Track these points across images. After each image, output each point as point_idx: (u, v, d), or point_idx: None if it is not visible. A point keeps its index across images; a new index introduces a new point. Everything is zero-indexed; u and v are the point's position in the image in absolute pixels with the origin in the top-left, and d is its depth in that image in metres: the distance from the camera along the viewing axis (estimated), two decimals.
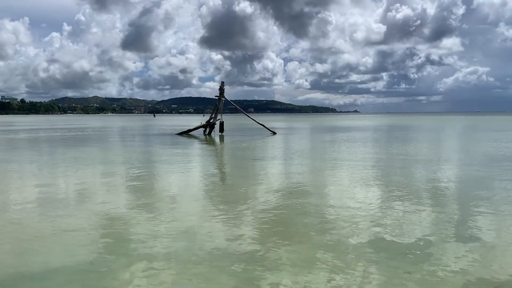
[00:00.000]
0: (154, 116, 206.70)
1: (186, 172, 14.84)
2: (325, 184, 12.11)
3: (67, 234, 7.09)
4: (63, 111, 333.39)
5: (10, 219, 8.13)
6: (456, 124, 69.61)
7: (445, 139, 34.79)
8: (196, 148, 25.74)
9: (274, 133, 38.80)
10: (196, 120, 52.67)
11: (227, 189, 11.54)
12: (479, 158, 18.05)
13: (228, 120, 40.59)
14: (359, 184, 11.71)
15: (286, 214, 8.40)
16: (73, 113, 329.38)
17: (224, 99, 37.38)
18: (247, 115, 43.76)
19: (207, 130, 37.43)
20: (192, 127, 39.65)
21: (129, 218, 8.15)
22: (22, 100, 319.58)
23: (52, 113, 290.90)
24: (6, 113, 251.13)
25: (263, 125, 40.36)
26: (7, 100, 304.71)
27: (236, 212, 8.56)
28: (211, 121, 37.76)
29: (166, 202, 9.59)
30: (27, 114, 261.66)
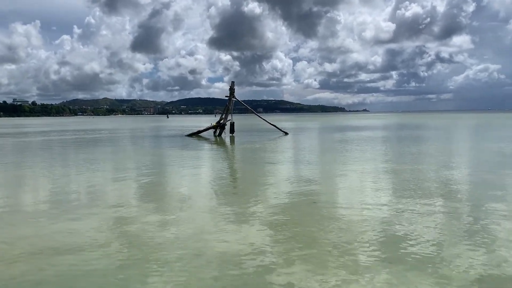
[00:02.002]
0: (168, 117, 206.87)
1: (196, 175, 14.50)
2: (339, 187, 11.68)
3: (77, 236, 7.07)
4: (74, 113, 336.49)
5: (23, 220, 8.04)
6: (467, 123, 68.43)
7: (457, 138, 34.04)
8: (206, 150, 25.35)
9: (286, 133, 38.16)
10: (208, 120, 52.32)
11: (239, 193, 11.12)
12: (493, 157, 17.41)
13: (239, 120, 40.29)
14: (374, 186, 11.34)
15: (298, 217, 8.25)
16: (83, 114, 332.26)
17: (234, 99, 36.91)
18: (258, 115, 43.05)
19: (217, 131, 36.87)
20: (201, 128, 39.16)
21: (139, 221, 8.00)
22: (33, 103, 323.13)
23: (63, 115, 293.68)
24: (18, 116, 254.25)
25: (274, 126, 39.67)
26: (18, 103, 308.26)
27: (247, 215, 8.33)
28: (221, 122, 37.25)
29: (176, 206, 9.31)
30: (38, 116, 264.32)
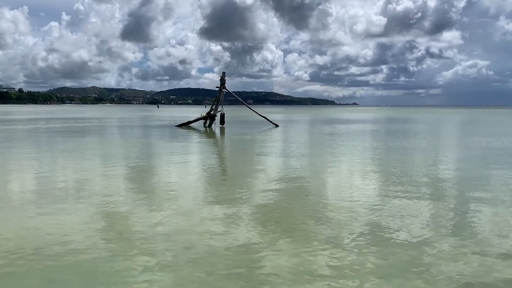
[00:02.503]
0: (158, 107, 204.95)
1: (185, 167, 14.35)
2: (328, 179, 11.67)
3: (64, 228, 6.89)
4: (61, 101, 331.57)
5: (9, 211, 7.82)
6: (455, 118, 69.16)
7: (446, 132, 34.35)
8: (195, 141, 25.18)
9: (277, 125, 38.00)
10: (198, 111, 51.99)
11: (228, 185, 11.00)
12: (479, 151, 17.59)
13: (229, 112, 39.96)
14: (362, 178, 11.40)
15: (287, 210, 8.18)
16: (71, 103, 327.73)
17: (225, 90, 36.58)
18: (248, 107, 42.64)
19: (207, 122, 36.56)
20: (191, 119, 38.84)
21: (126, 213, 7.82)
22: (20, 90, 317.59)
23: (50, 103, 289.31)
24: (4, 103, 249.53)
25: (265, 118, 39.38)
26: (4, 90, 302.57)
27: (236, 208, 8.22)
28: (211, 112, 36.94)
29: (163, 197, 9.14)
30: (25, 104, 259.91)
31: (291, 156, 17.03)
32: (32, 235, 6.57)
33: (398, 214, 7.80)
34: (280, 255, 5.75)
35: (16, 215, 7.73)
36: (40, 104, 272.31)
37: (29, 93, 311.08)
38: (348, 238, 6.44)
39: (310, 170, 13.45)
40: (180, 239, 6.39)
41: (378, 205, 8.54)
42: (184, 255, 5.74)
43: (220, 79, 36.81)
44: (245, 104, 42.40)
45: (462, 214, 7.93)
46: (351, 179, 11.78)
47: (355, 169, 13.46)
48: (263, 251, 5.91)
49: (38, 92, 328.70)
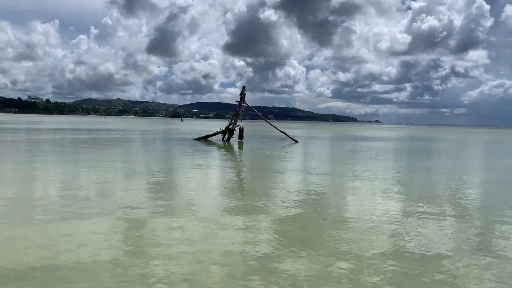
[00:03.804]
0: (182, 120, 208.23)
1: (202, 181, 13.87)
2: (348, 198, 10.96)
3: (85, 237, 7.01)
4: (87, 112, 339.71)
5: (30, 218, 8.11)
6: (482, 138, 67.00)
7: (471, 153, 32.97)
8: (213, 156, 24.71)
9: (296, 141, 37.29)
10: (221, 125, 51.81)
11: (245, 202, 10.37)
12: (503, 173, 16.51)
13: (248, 126, 39.58)
14: (382, 198, 10.80)
15: (304, 227, 8.00)
16: (96, 114, 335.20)
17: (245, 105, 36.18)
18: (268, 121, 42.06)
19: (226, 136, 36.21)
20: (210, 133, 38.53)
21: (144, 226, 7.82)
22: (47, 100, 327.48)
23: (75, 114, 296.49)
24: (32, 113, 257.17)
25: (284, 133, 38.62)
26: (33, 100, 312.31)
27: (253, 224, 7.99)
28: (230, 127, 36.59)
29: (181, 211, 8.86)
30: (51, 114, 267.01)
31: (310, 173, 16.34)
32: (52, 244, 6.61)
33: (418, 238, 7.47)
34: (296, 269, 5.40)
35: (36, 223, 7.71)
36: (66, 114, 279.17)
37: (56, 103, 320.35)
38: (366, 256, 6.33)
39: (329, 189, 12.73)
40: (195, 252, 6.37)
41: (399, 229, 7.87)
42: (198, 271, 5.67)
43: (240, 94, 36.39)
44: (264, 119, 41.85)
45: (486, 240, 7.54)
46: (372, 199, 11.02)
47: (376, 188, 12.68)
48: (281, 263, 5.96)
49: (65, 103, 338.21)
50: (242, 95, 36.06)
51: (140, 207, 9.29)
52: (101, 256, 6.05)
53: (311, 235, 7.49)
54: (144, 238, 7.01)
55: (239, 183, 14.23)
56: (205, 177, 15.05)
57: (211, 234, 7.27)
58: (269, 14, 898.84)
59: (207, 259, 6.03)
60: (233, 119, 37.07)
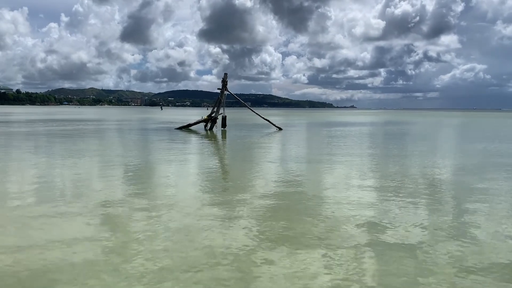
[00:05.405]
0: (162, 109, 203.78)
1: (185, 172, 13.93)
2: (331, 183, 11.31)
3: (61, 229, 6.99)
4: (59, 102, 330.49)
5: (11, 210, 8.00)
6: (454, 121, 68.94)
7: (444, 136, 33.99)
8: (196, 145, 24.66)
9: (280, 128, 37.34)
10: (200, 113, 51.28)
11: (229, 190, 10.43)
12: (475, 155, 17.20)
13: (230, 114, 39.28)
14: (368, 181, 10.99)
15: (287, 215, 8.07)
16: (69, 104, 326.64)
17: (227, 92, 35.87)
18: (251, 109, 41.41)
19: (209, 125, 36.00)
20: (192, 122, 38.13)
21: (124, 216, 7.79)
22: (18, 91, 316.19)
23: (48, 104, 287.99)
24: (2, 104, 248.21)
25: (268, 120, 38.40)
26: (2, 91, 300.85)
27: (235, 212, 8.16)
28: (213, 115, 36.35)
29: (162, 202, 8.83)
30: (22, 104, 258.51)
31: (295, 161, 16.59)
32: (30, 236, 6.52)
33: (396, 220, 7.72)
34: (277, 261, 5.70)
35: (13, 222, 7.32)
36: (38, 105, 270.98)
37: (27, 94, 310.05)
38: (347, 243, 6.43)
39: (312, 178, 12.99)
40: (178, 243, 6.33)
41: (375, 210, 8.19)
42: (180, 259, 5.71)
43: (222, 81, 35.86)
44: (247, 106, 41.34)
45: (458, 220, 7.87)
46: (354, 181, 11.33)
47: (355, 172, 13.03)
48: (262, 255, 5.91)
49: (36, 93, 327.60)
50: (224, 82, 35.62)
51: (118, 202, 8.89)
52: (78, 253, 5.81)
53: (291, 226, 7.28)
54: (121, 232, 6.78)
55: (223, 173, 14.32)
56: (188, 167, 14.97)
57: (191, 228, 7.05)
58: (244, 0, 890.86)
59: (186, 254, 5.84)
60: (216, 107, 36.77)
